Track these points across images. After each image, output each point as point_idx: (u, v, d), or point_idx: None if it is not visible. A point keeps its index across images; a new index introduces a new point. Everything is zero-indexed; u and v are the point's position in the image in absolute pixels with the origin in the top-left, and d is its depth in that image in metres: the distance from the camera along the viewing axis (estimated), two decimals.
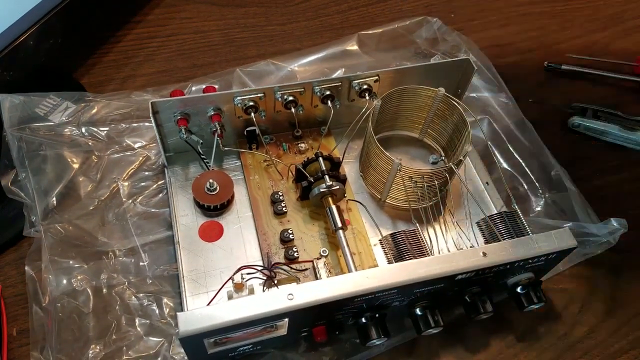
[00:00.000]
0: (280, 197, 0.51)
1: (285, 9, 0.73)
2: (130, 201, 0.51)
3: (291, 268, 0.47)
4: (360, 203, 0.51)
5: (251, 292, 0.45)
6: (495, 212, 0.51)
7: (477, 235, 0.48)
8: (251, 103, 0.49)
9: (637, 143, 0.61)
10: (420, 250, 0.43)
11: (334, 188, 0.48)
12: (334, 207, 0.47)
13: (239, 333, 0.38)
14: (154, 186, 0.53)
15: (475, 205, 0.49)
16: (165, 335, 0.45)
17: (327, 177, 0.48)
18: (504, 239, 0.44)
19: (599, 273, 0.52)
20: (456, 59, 0.53)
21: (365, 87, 0.51)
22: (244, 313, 0.37)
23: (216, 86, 0.59)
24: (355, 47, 0.65)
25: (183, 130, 0.49)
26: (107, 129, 0.55)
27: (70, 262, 0.47)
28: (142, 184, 0.53)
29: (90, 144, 0.54)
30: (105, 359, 0.44)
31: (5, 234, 0.50)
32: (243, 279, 0.45)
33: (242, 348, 0.42)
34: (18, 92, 0.53)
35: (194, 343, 0.38)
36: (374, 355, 0.46)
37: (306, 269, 0.47)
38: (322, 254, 0.48)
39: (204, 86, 0.55)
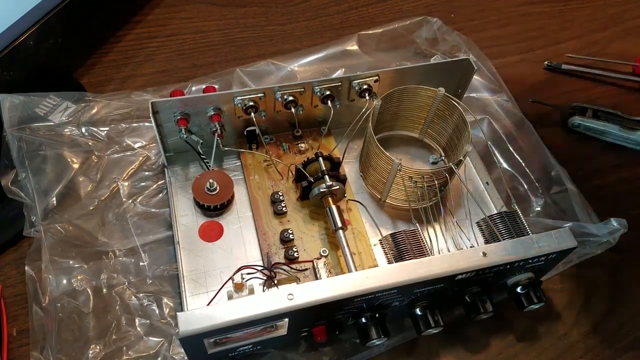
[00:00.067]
0: (280, 197, 0.51)
1: (285, 9, 0.73)
2: (130, 201, 0.51)
3: (291, 268, 0.47)
4: (360, 203, 0.51)
5: (251, 292, 0.45)
6: (495, 212, 0.51)
7: (477, 235, 0.48)
8: (251, 103, 0.49)
9: (637, 143, 0.61)
10: (420, 250, 0.43)
11: (334, 188, 0.48)
12: (334, 207, 0.47)
13: (239, 333, 0.38)
14: (154, 186, 0.53)
15: (475, 205, 0.49)
16: (165, 335, 0.45)
17: (327, 177, 0.48)
18: (504, 239, 0.44)
19: (599, 273, 0.52)
20: (456, 59, 0.53)
21: (365, 87, 0.51)
22: (244, 313, 0.37)
23: (216, 86, 0.59)
24: (355, 47, 0.65)
25: (183, 130, 0.49)
26: (107, 129, 0.55)
27: (70, 262, 0.47)
28: (142, 184, 0.53)
29: (90, 144, 0.54)
30: (105, 359, 0.44)
31: (5, 234, 0.50)
32: (243, 279, 0.45)
33: (242, 348, 0.42)
34: (18, 92, 0.53)
35: (194, 343, 0.38)
36: (374, 355, 0.46)
37: (306, 269, 0.47)
38: (322, 254, 0.48)
39: (204, 86, 0.55)
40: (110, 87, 0.62)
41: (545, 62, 0.69)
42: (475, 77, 0.61)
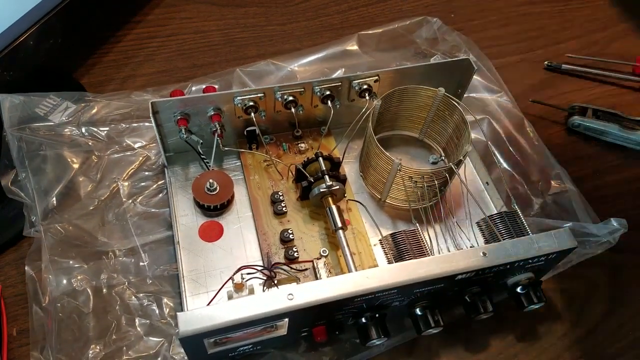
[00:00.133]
0: (280, 197, 0.51)
1: (285, 9, 0.73)
2: (130, 201, 0.51)
3: (291, 268, 0.47)
4: (360, 203, 0.51)
5: (251, 292, 0.45)
6: (495, 212, 0.51)
7: (477, 235, 0.48)
8: (251, 103, 0.49)
9: (637, 143, 0.61)
10: (420, 250, 0.43)
11: (334, 188, 0.48)
12: (334, 207, 0.47)
13: (239, 333, 0.38)
14: (154, 186, 0.53)
15: (475, 205, 0.49)
16: (165, 335, 0.45)
17: (327, 177, 0.48)
18: (504, 239, 0.44)
19: (599, 273, 0.52)
20: (456, 59, 0.53)
21: (365, 87, 0.51)
22: (244, 313, 0.37)
23: (216, 86, 0.59)
24: (355, 47, 0.65)
25: (183, 130, 0.49)
26: (107, 129, 0.55)
27: (70, 262, 0.47)
28: (142, 184, 0.53)
29: (90, 144, 0.54)
30: (105, 359, 0.44)
31: (5, 234, 0.50)
32: (243, 279, 0.45)
33: (242, 348, 0.42)
34: (18, 92, 0.53)
35: (194, 343, 0.38)
36: (374, 355, 0.46)
37: (306, 269, 0.47)
38: (322, 254, 0.48)
39: (204, 86, 0.55)
40: (110, 87, 0.62)
41: (545, 62, 0.69)
42: (475, 77, 0.61)
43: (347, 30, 0.70)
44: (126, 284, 0.47)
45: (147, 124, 0.56)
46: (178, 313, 0.37)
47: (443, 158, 0.55)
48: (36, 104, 0.54)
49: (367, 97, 0.52)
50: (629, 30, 0.74)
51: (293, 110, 0.51)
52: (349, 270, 0.44)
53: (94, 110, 0.56)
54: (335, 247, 0.49)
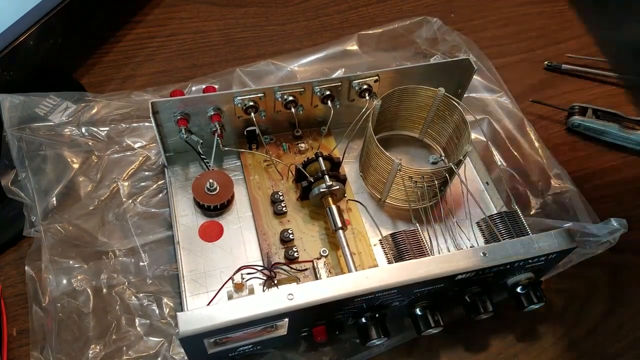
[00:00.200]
0: (280, 197, 0.51)
1: (285, 9, 0.73)
2: (130, 201, 0.51)
3: (291, 268, 0.47)
4: (360, 203, 0.51)
5: (251, 292, 0.45)
6: (495, 212, 0.51)
7: (477, 235, 0.48)
8: (251, 103, 0.49)
9: (637, 143, 0.61)
10: (420, 250, 0.43)
11: (334, 188, 0.48)
12: (334, 207, 0.47)
13: (239, 333, 0.38)
14: (154, 186, 0.53)
15: (475, 205, 0.49)
16: (165, 335, 0.45)
17: (327, 177, 0.48)
18: (504, 239, 0.44)
19: (599, 273, 0.52)
20: (456, 59, 0.53)
21: (365, 87, 0.51)
22: (244, 313, 0.37)
23: (216, 86, 0.59)
24: (355, 47, 0.65)
25: (183, 130, 0.49)
26: (107, 129, 0.55)
27: (70, 262, 0.47)
28: (142, 184, 0.53)
29: (90, 144, 0.54)
30: (105, 359, 0.44)
31: (5, 234, 0.50)
32: (243, 279, 0.45)
33: (242, 348, 0.42)
34: (18, 92, 0.53)
35: (194, 343, 0.38)
36: (374, 355, 0.46)
37: (306, 269, 0.47)
38: (322, 254, 0.48)
39: (204, 86, 0.55)
40: (110, 87, 0.62)
41: (545, 62, 0.69)
42: (475, 77, 0.61)
43: (347, 30, 0.70)
44: (126, 284, 0.47)
45: (147, 124, 0.56)
46: (178, 313, 0.37)
47: (443, 158, 0.55)
48: (36, 104, 0.54)
49: (367, 97, 0.52)
50: None
51: (293, 110, 0.51)
52: (349, 270, 0.44)
53: (94, 110, 0.56)
54: (335, 247, 0.48)
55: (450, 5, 0.75)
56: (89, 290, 0.46)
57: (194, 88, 0.60)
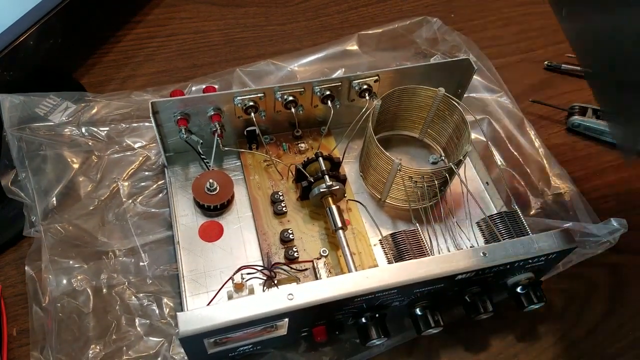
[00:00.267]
0: (280, 197, 0.51)
1: (285, 9, 0.73)
2: (130, 201, 0.51)
3: (291, 268, 0.47)
4: (360, 203, 0.51)
5: (251, 292, 0.45)
6: (495, 212, 0.51)
7: (477, 235, 0.48)
8: (251, 103, 0.49)
9: None
10: (420, 250, 0.43)
11: (334, 188, 0.48)
12: (334, 207, 0.47)
13: (239, 333, 0.38)
14: (154, 186, 0.53)
15: (475, 205, 0.49)
16: (165, 335, 0.45)
17: (327, 177, 0.48)
18: (504, 239, 0.44)
19: (599, 273, 0.52)
20: (456, 59, 0.53)
21: (365, 87, 0.51)
22: (244, 313, 0.37)
23: (216, 86, 0.59)
24: (355, 47, 0.65)
25: (183, 130, 0.49)
26: (107, 129, 0.55)
27: (70, 262, 0.47)
28: (142, 184, 0.53)
29: (90, 144, 0.54)
30: (105, 359, 0.44)
31: (5, 234, 0.50)
32: (243, 279, 0.45)
33: (242, 348, 0.42)
34: (18, 92, 0.53)
35: (194, 343, 0.38)
36: (374, 355, 0.46)
37: (306, 269, 0.47)
38: (322, 254, 0.48)
39: (204, 86, 0.55)
40: (110, 87, 0.62)
41: (545, 62, 0.69)
42: (475, 77, 0.61)
43: (347, 30, 0.70)
44: (126, 284, 0.47)
45: (147, 124, 0.56)
46: (178, 313, 0.37)
47: (443, 158, 0.55)
48: (36, 104, 0.54)
49: (367, 97, 0.52)
50: None
51: (293, 110, 0.51)
52: (349, 270, 0.44)
53: (94, 110, 0.56)
54: (335, 247, 0.49)
55: (450, 5, 0.75)
56: (89, 290, 0.46)
57: (194, 88, 0.60)
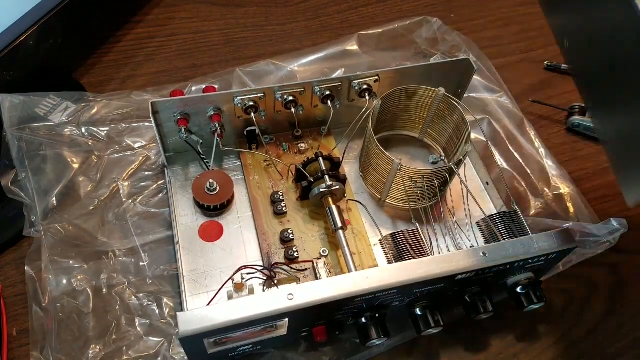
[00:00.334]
0: (280, 197, 0.51)
1: (285, 9, 0.73)
2: (130, 201, 0.51)
3: (291, 268, 0.47)
4: (360, 203, 0.51)
5: (251, 292, 0.45)
6: (495, 212, 0.51)
7: (477, 235, 0.48)
8: (251, 103, 0.49)
9: None
10: (420, 250, 0.43)
11: (334, 188, 0.48)
12: (334, 207, 0.47)
13: (239, 333, 0.38)
14: (154, 186, 0.53)
15: (475, 205, 0.49)
16: (165, 335, 0.45)
17: (327, 177, 0.48)
18: (504, 239, 0.44)
19: (599, 273, 0.52)
20: (456, 59, 0.53)
21: (365, 87, 0.51)
22: (244, 313, 0.37)
23: (216, 86, 0.59)
24: (355, 47, 0.65)
25: (183, 130, 0.49)
26: (107, 129, 0.55)
27: (70, 262, 0.47)
28: (142, 184, 0.53)
29: (90, 144, 0.54)
30: (105, 359, 0.44)
31: (5, 234, 0.50)
32: (243, 279, 0.45)
33: (242, 348, 0.42)
34: (18, 92, 0.53)
35: (194, 343, 0.38)
36: (374, 355, 0.46)
37: (306, 269, 0.47)
38: (322, 254, 0.48)
39: (204, 86, 0.55)
40: (110, 87, 0.62)
41: (545, 62, 0.69)
42: (475, 77, 0.61)
43: (347, 30, 0.70)
44: (126, 284, 0.47)
45: (147, 124, 0.56)
46: (178, 313, 0.37)
47: (443, 158, 0.55)
48: (36, 104, 0.54)
49: (367, 97, 0.52)
50: None
51: (293, 110, 0.51)
52: (349, 270, 0.44)
53: (94, 110, 0.56)
54: (335, 247, 0.49)
55: (450, 5, 0.75)
56: (89, 290, 0.46)
57: (194, 88, 0.60)
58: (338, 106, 0.52)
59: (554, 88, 0.67)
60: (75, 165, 0.52)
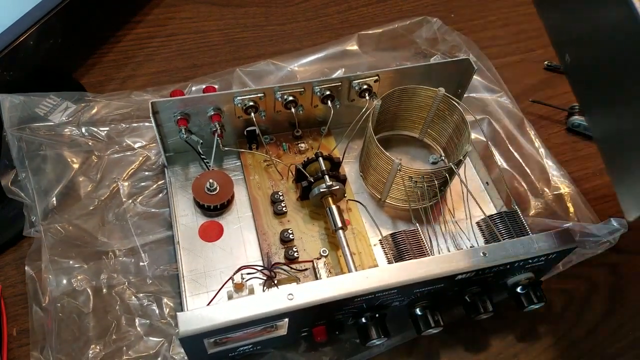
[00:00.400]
0: (280, 197, 0.51)
1: (285, 9, 0.73)
2: (130, 201, 0.51)
3: (291, 268, 0.47)
4: (360, 203, 0.51)
5: (251, 292, 0.45)
6: (495, 212, 0.51)
7: (477, 235, 0.48)
8: (251, 103, 0.49)
9: None
10: (420, 250, 0.43)
11: (334, 188, 0.48)
12: (334, 207, 0.47)
13: (239, 333, 0.38)
14: (154, 186, 0.53)
15: (475, 205, 0.49)
16: (165, 335, 0.45)
17: (327, 177, 0.48)
18: (504, 239, 0.44)
19: (599, 273, 0.52)
20: (456, 59, 0.53)
21: (365, 87, 0.51)
22: (244, 313, 0.37)
23: (216, 86, 0.59)
24: (355, 47, 0.65)
25: (183, 130, 0.49)
26: (107, 129, 0.55)
27: (70, 262, 0.47)
28: (142, 184, 0.53)
29: (90, 144, 0.54)
30: (105, 359, 0.44)
31: (5, 234, 0.50)
32: (243, 279, 0.45)
33: (242, 348, 0.42)
34: (18, 92, 0.53)
35: (194, 343, 0.38)
36: (374, 355, 0.46)
37: (306, 269, 0.47)
38: (322, 254, 0.48)
39: (204, 86, 0.55)
40: (110, 87, 0.62)
41: (545, 62, 0.69)
42: (475, 77, 0.61)
43: (347, 30, 0.70)
44: (126, 284, 0.47)
45: (147, 124, 0.56)
46: (178, 313, 0.37)
47: (443, 158, 0.55)
48: (36, 104, 0.54)
49: (367, 97, 0.52)
50: None
51: (293, 110, 0.51)
52: (349, 270, 0.44)
53: (94, 110, 0.56)
54: (335, 247, 0.49)
55: (450, 5, 0.75)
56: (89, 290, 0.46)
57: (194, 88, 0.60)
58: (338, 106, 0.52)
59: (554, 88, 0.67)
60: (75, 165, 0.52)
